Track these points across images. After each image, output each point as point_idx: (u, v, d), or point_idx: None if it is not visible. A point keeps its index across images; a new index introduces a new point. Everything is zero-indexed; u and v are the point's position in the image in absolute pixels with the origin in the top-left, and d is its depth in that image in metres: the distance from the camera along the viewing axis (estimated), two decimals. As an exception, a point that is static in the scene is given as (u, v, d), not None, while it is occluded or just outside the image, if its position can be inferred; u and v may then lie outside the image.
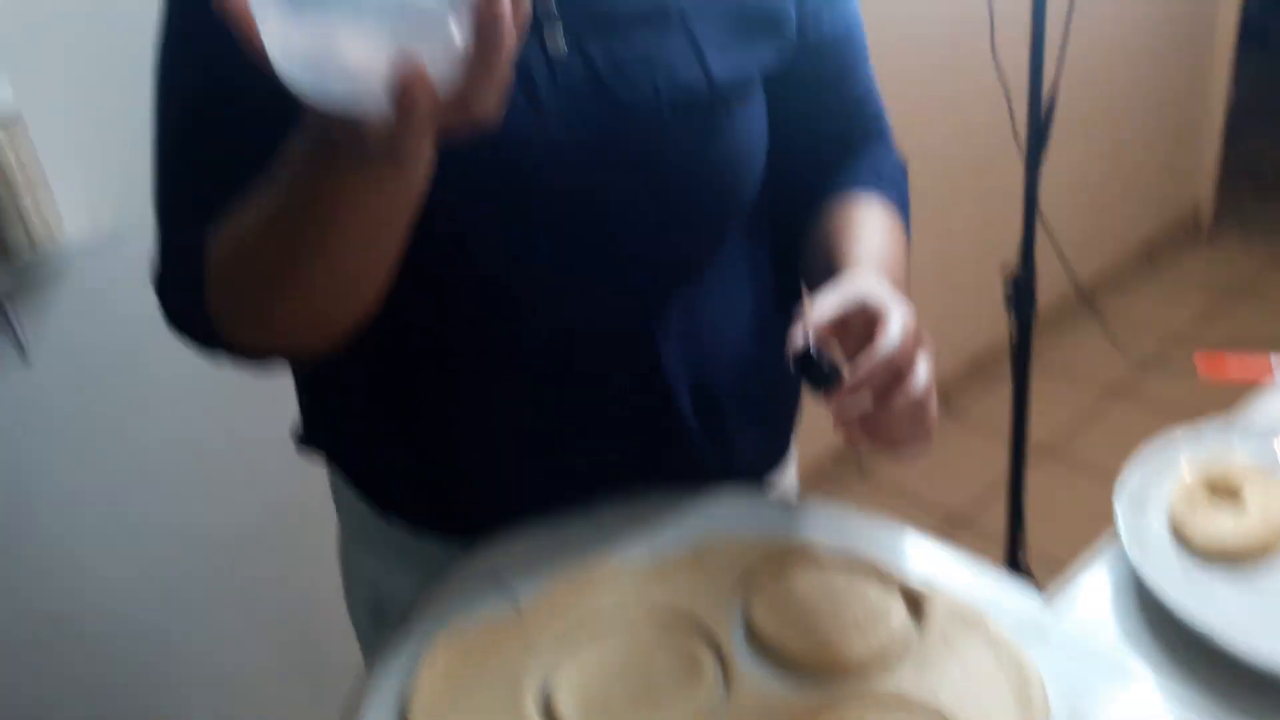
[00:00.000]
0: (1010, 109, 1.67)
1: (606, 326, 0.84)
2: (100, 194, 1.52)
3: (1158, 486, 0.92)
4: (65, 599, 1.62)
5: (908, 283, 0.89)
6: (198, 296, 0.77)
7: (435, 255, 0.77)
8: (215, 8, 0.53)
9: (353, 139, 0.57)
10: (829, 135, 0.94)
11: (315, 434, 1.00)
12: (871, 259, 0.84)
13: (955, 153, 2.65)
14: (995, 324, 1.83)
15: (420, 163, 0.62)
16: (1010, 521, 1.92)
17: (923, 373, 0.74)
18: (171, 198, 0.82)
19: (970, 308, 2.71)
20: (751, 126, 0.84)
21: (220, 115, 0.77)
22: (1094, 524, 0.96)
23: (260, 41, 0.53)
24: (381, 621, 0.97)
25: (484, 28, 0.53)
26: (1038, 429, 1.90)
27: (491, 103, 0.57)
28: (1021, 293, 1.76)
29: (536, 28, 0.76)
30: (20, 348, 1.52)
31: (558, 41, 0.77)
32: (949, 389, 2.95)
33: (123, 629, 1.70)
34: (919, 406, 0.74)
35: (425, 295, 0.81)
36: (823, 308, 0.74)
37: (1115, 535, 0.87)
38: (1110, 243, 3.42)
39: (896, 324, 0.73)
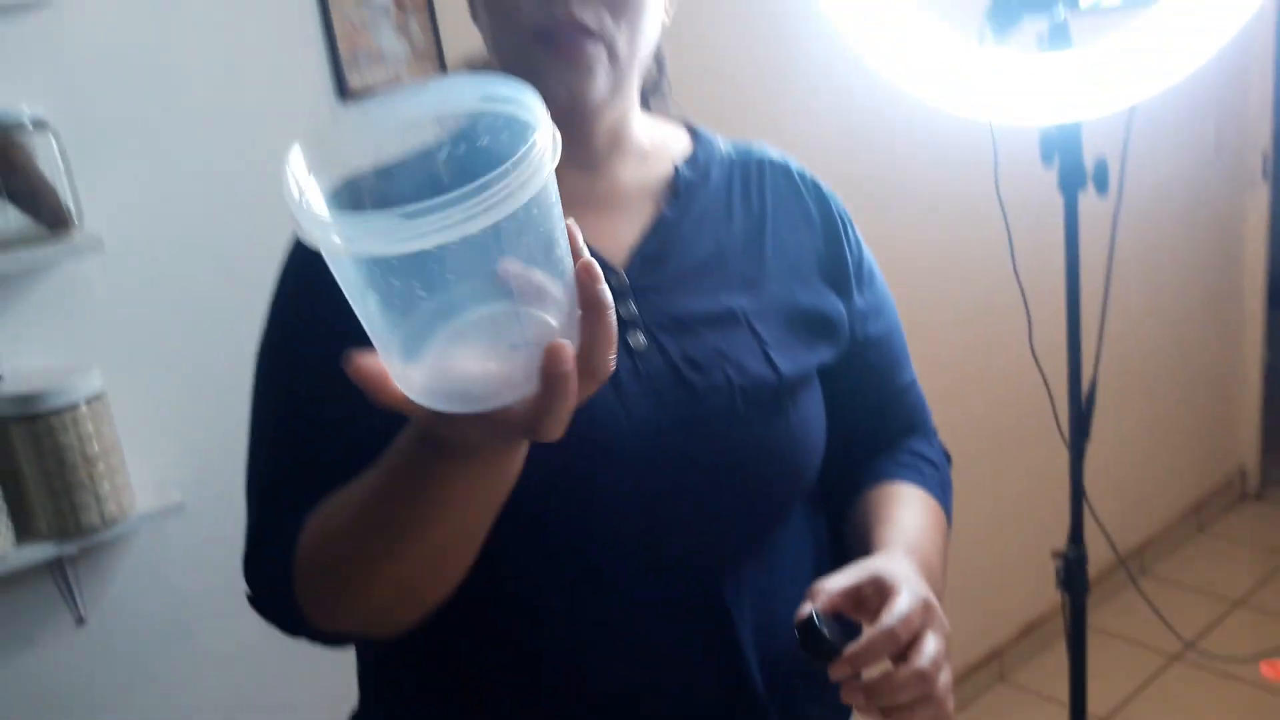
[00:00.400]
0: (1051, 401, 1.71)
1: (680, 600, 0.87)
2: (169, 471, 1.59)
3: None
4: None
5: (944, 566, 0.94)
6: (285, 581, 0.81)
7: (521, 534, 0.80)
8: (349, 373, 0.59)
9: (468, 434, 0.62)
10: (874, 425, 1.02)
11: (373, 713, 1.01)
12: (900, 543, 0.89)
13: (1000, 436, 2.72)
14: (1046, 590, 1.82)
15: (521, 449, 0.67)
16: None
17: (930, 646, 0.76)
18: (266, 485, 0.87)
19: (1021, 577, 2.70)
20: (813, 412, 0.92)
21: (320, 416, 0.83)
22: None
23: (393, 392, 0.59)
24: None
25: (586, 288, 0.59)
26: (1093, 699, 1.86)
27: (609, 357, 0.61)
28: (1073, 573, 1.76)
29: (620, 327, 0.81)
30: (79, 615, 1.54)
31: (638, 338, 0.86)
32: (1003, 656, 2.90)
33: None
34: (923, 678, 0.75)
35: (506, 569, 0.84)
36: (835, 580, 0.78)
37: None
38: (1159, 508, 3.41)
39: (905, 598, 0.76)
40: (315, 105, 1.65)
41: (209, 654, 1.66)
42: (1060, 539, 1.76)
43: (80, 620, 1.55)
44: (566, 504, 0.82)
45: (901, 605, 0.77)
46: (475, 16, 0.92)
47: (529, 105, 0.60)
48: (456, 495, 0.69)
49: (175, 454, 1.59)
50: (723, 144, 1.00)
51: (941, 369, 2.42)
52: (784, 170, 1.01)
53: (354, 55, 1.65)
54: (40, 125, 1.37)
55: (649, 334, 0.86)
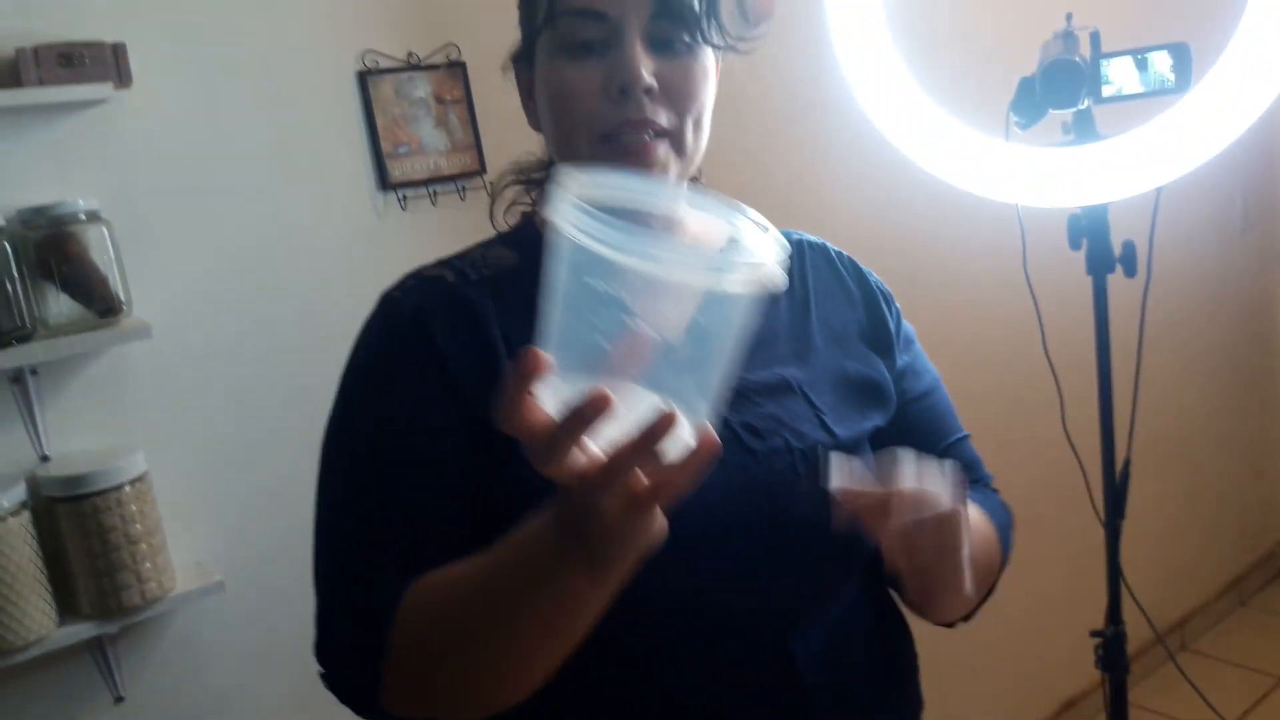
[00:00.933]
0: (1086, 480, 1.71)
1: (750, 657, 0.89)
2: (210, 550, 1.61)
3: None
4: None
5: (985, 551, 0.97)
6: (373, 659, 0.82)
7: None
8: (506, 429, 0.62)
9: (592, 537, 0.66)
10: None
11: None
12: None
13: (1037, 515, 2.69)
14: (1086, 668, 1.80)
15: (630, 559, 0.70)
16: None
17: (947, 500, 0.79)
18: (350, 566, 0.87)
19: (1060, 655, 2.66)
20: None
21: (409, 491, 0.86)
22: None
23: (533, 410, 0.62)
24: None
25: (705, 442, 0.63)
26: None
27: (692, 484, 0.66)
28: (1111, 653, 1.74)
29: None
30: (117, 694, 1.56)
31: None
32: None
33: None
34: (920, 499, 0.79)
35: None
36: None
37: None
38: (1198, 582, 3.37)
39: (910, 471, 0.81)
40: (358, 196, 1.70)
41: (244, 732, 1.66)
42: (1099, 617, 1.74)
43: (119, 699, 1.56)
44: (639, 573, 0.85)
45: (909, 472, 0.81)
46: (535, 121, 0.96)
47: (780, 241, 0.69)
48: (570, 597, 0.72)
49: (216, 534, 1.62)
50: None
51: (976, 447, 2.42)
52: (823, 251, 1.07)
53: (395, 148, 1.71)
54: (94, 217, 1.42)
55: None
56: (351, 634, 0.85)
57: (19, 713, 1.49)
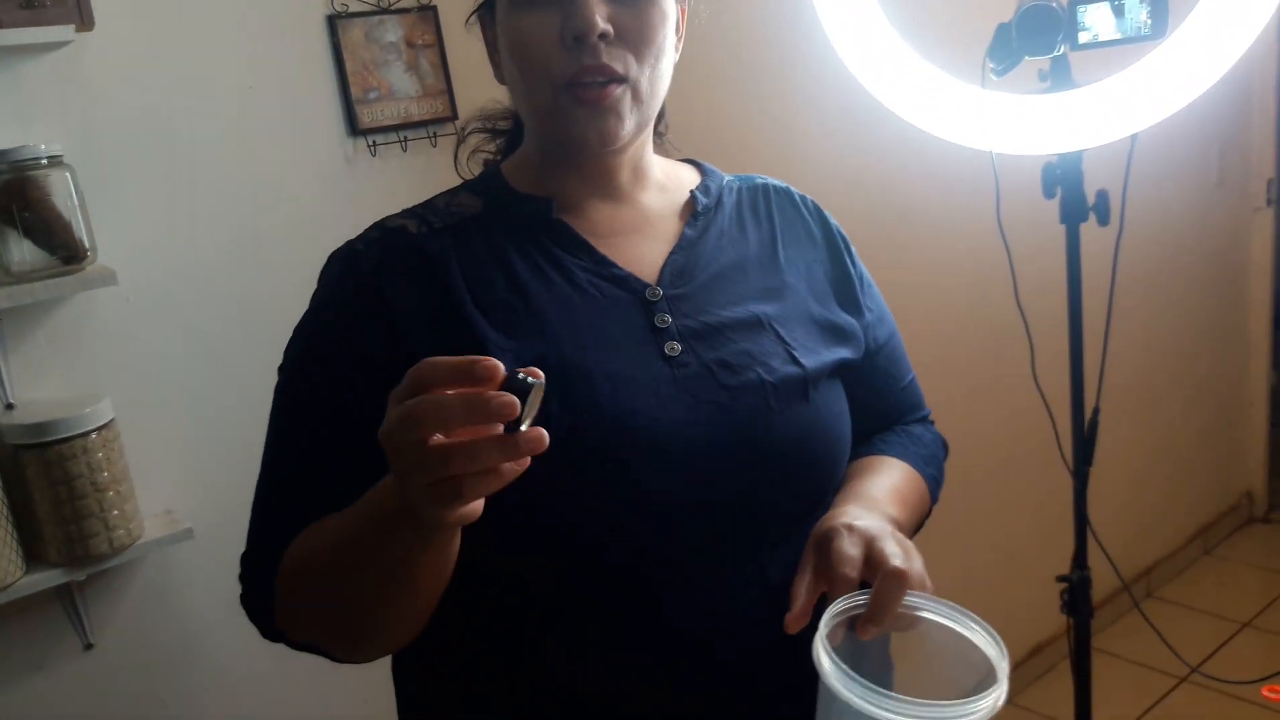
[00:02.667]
0: (1055, 428, 1.72)
1: (731, 579, 0.91)
2: (178, 498, 1.60)
3: None
4: None
5: (909, 513, 1.01)
6: (269, 591, 0.89)
7: (578, 530, 0.87)
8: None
9: (417, 514, 0.70)
10: (883, 421, 1.10)
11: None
12: (847, 499, 0.96)
13: (1006, 462, 2.74)
14: (1053, 614, 1.83)
15: (444, 526, 0.73)
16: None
17: (888, 547, 0.84)
18: (269, 490, 0.94)
19: (1028, 601, 2.71)
20: (837, 404, 0.99)
21: (329, 435, 0.90)
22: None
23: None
24: None
25: None
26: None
27: None
28: (1077, 598, 1.76)
29: (655, 338, 0.92)
30: (86, 640, 1.56)
31: (674, 345, 0.92)
32: (1012, 681, 2.88)
33: None
34: (900, 577, 0.82)
35: (549, 568, 0.89)
36: (797, 587, 0.86)
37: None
38: (1165, 531, 3.42)
39: (839, 543, 0.85)
40: (327, 141, 1.68)
41: (215, 679, 1.67)
42: (1066, 563, 1.77)
43: (88, 645, 1.57)
44: (618, 499, 0.87)
45: (838, 548, 0.85)
46: (500, 74, 0.97)
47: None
48: (405, 554, 0.77)
49: (184, 482, 1.61)
50: (726, 176, 1.08)
51: (945, 397, 2.42)
52: (787, 194, 1.09)
53: (365, 93, 1.68)
54: (56, 161, 1.39)
55: (683, 341, 0.93)
56: (253, 563, 0.93)
57: (-10, 660, 1.49)
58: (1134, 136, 1.49)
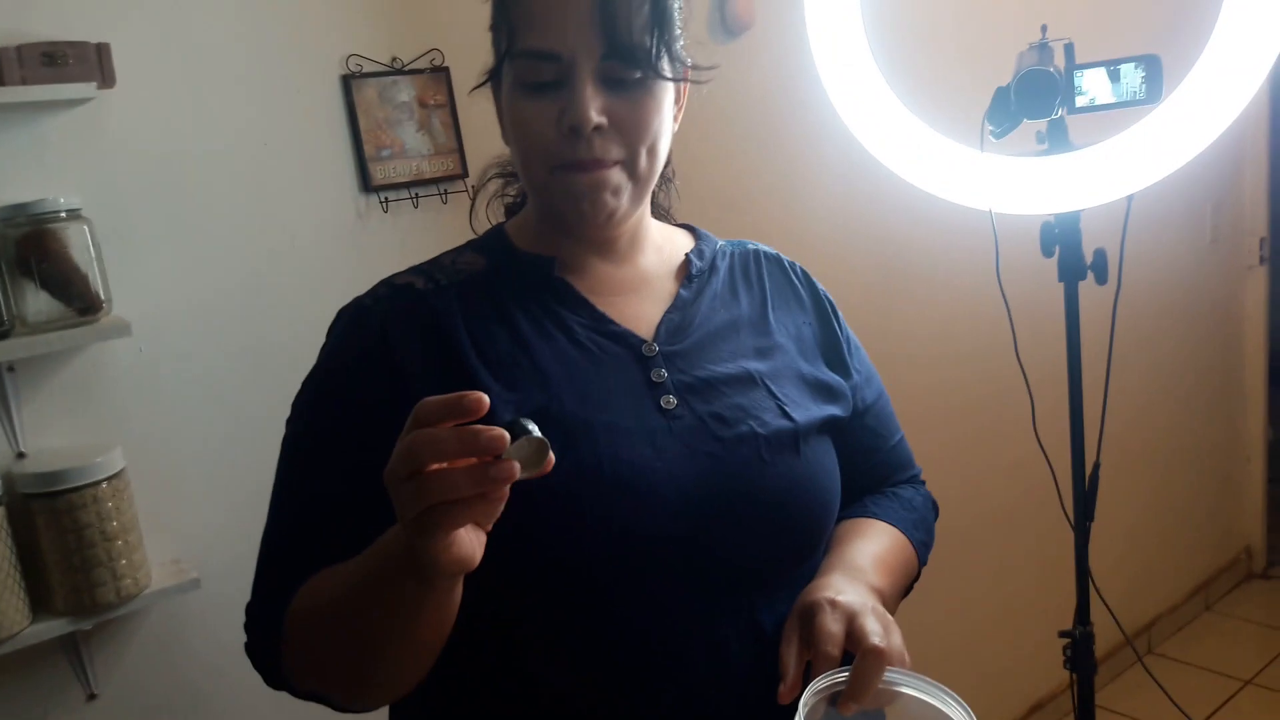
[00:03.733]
0: (1056, 483, 1.74)
1: (722, 628, 0.93)
2: (186, 548, 1.61)
3: None
4: None
5: (892, 577, 1.03)
6: (275, 641, 0.90)
7: (575, 577, 0.89)
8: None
9: (416, 556, 0.72)
10: (872, 481, 1.12)
11: None
12: (833, 568, 0.98)
13: (1007, 518, 2.75)
14: (1055, 670, 1.83)
15: (444, 572, 0.74)
16: None
17: (868, 624, 0.87)
18: (274, 540, 0.96)
19: (1030, 657, 2.70)
20: (826, 458, 1.02)
21: (336, 485, 0.92)
22: None
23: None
24: None
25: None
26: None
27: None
28: (1079, 653, 1.77)
29: (652, 391, 0.95)
30: (89, 691, 1.55)
31: (669, 399, 0.95)
32: (1010, 738, 2.88)
33: None
34: (878, 655, 0.85)
35: (546, 608, 0.91)
36: (785, 659, 0.88)
37: None
38: (1165, 587, 3.42)
39: (822, 618, 0.88)
40: (340, 197, 1.71)
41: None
42: (1068, 618, 1.77)
43: (92, 696, 1.56)
44: (615, 545, 0.89)
45: (821, 624, 0.87)
46: (506, 139, 1.00)
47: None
48: (411, 604, 0.79)
49: (192, 532, 1.62)
50: (720, 241, 1.13)
51: (947, 453, 2.46)
52: (777, 261, 1.13)
53: (377, 151, 1.71)
54: (75, 214, 1.42)
55: (678, 395, 0.96)
56: (258, 613, 0.94)
57: (-7, 709, 1.49)
58: (1130, 196, 1.53)
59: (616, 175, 0.94)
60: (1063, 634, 1.76)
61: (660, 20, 0.92)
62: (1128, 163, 1.44)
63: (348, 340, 0.97)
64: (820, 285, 1.15)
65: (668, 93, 0.96)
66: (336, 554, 0.88)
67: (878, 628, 0.87)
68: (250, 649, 0.95)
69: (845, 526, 1.06)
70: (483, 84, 1.00)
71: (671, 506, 0.90)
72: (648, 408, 0.94)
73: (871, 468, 1.12)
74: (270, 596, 0.93)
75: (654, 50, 0.92)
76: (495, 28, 0.97)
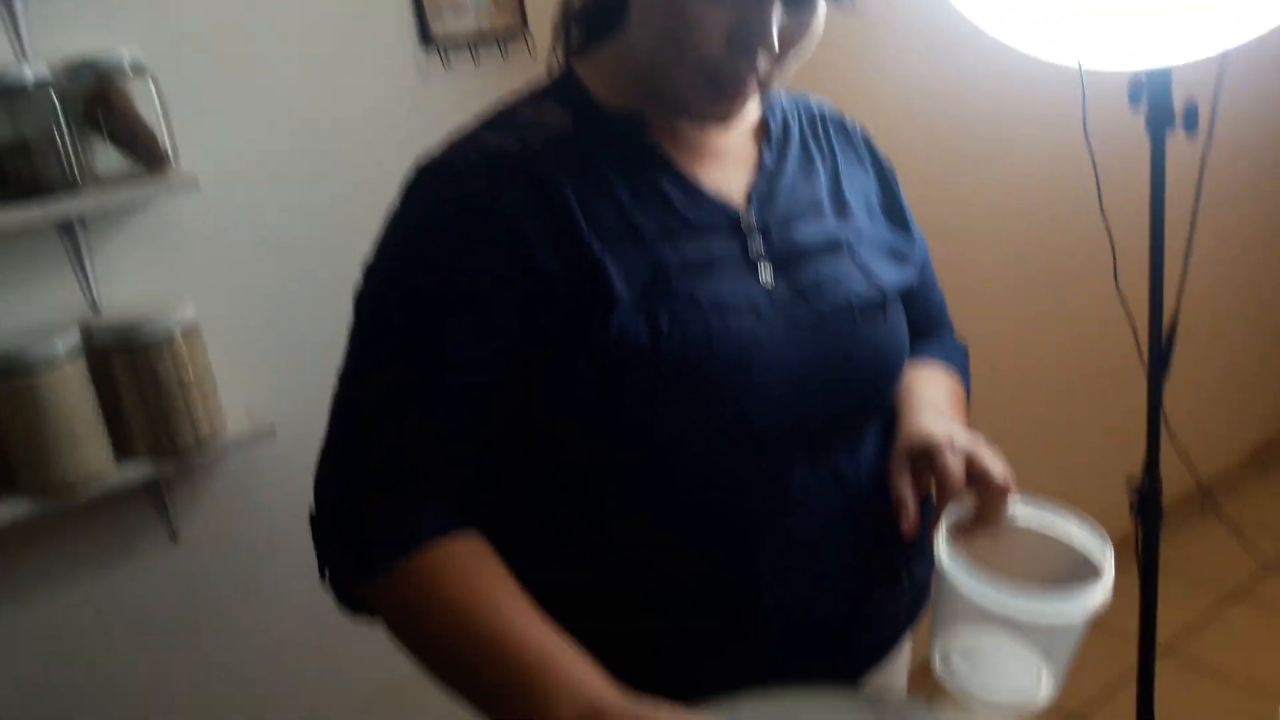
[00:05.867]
0: (1136, 338, 1.71)
1: (814, 468, 0.98)
2: (261, 398, 1.65)
3: None
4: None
5: (965, 412, 1.12)
6: (366, 577, 0.92)
7: (691, 436, 0.92)
8: None
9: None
10: (922, 331, 1.16)
11: None
12: (925, 400, 1.06)
13: (1083, 367, 2.75)
14: (1118, 521, 1.84)
15: None
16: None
17: (985, 455, 0.96)
18: (360, 464, 0.92)
19: (1093, 507, 2.71)
20: (903, 322, 1.06)
21: (446, 375, 0.89)
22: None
23: None
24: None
25: None
26: (1163, 626, 1.89)
27: None
28: (1147, 505, 1.77)
29: (750, 263, 0.95)
30: (172, 532, 1.63)
31: (769, 276, 0.96)
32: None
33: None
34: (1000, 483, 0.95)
35: (654, 476, 0.93)
36: (900, 488, 0.98)
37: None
38: (1229, 445, 3.40)
39: (946, 456, 0.95)
40: (399, 52, 1.68)
41: (296, 572, 1.73)
42: (1137, 469, 1.77)
43: (174, 536, 1.63)
44: (722, 421, 0.92)
45: (945, 464, 0.95)
46: (625, 26, 0.95)
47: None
48: None
49: (266, 382, 1.66)
50: (782, 96, 1.08)
51: (1028, 303, 2.47)
52: (839, 123, 1.11)
53: (437, 5, 1.66)
54: (139, 69, 1.41)
55: (775, 266, 0.96)
56: (341, 513, 0.94)
57: (84, 550, 1.57)
58: (1225, 54, 1.44)
59: (753, 91, 0.92)
60: (1131, 480, 1.76)
61: None
62: (1223, 14, 1.35)
63: (447, 206, 0.89)
64: (880, 149, 1.13)
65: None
66: (430, 443, 0.90)
67: (998, 464, 0.95)
68: (319, 538, 0.97)
69: (913, 373, 1.10)
70: None
71: (776, 379, 0.93)
72: (748, 281, 0.94)
73: (919, 323, 1.13)
74: (351, 490, 0.92)
75: None
76: None
